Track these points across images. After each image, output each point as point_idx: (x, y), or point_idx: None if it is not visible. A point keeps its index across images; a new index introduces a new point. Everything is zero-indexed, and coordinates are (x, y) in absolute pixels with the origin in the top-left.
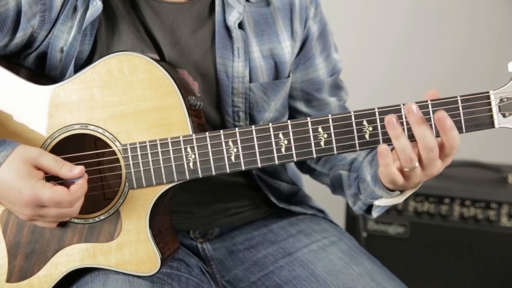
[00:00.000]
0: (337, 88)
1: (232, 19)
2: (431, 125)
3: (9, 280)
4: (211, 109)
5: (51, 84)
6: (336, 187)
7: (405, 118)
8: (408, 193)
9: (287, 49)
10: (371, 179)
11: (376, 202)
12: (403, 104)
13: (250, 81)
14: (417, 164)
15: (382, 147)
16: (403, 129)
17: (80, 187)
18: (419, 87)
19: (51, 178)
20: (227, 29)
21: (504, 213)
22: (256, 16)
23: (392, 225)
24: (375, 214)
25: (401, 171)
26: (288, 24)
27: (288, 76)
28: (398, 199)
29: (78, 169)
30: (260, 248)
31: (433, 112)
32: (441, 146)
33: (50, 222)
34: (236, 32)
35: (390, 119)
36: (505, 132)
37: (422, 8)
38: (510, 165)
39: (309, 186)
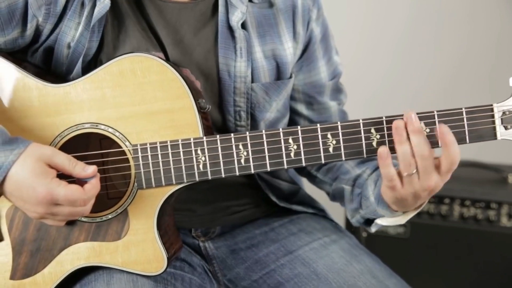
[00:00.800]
0: (337, 91)
1: (235, 19)
2: (435, 135)
3: (13, 277)
4: (213, 108)
5: (57, 81)
6: (337, 198)
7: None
8: (411, 214)
9: (289, 50)
10: (375, 199)
11: (378, 221)
12: None
13: (252, 81)
14: (414, 170)
15: (383, 149)
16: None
17: (93, 186)
18: (420, 88)
19: (61, 176)
20: (230, 29)
21: (504, 213)
22: (259, 17)
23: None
24: (373, 229)
25: (400, 177)
26: (290, 25)
27: (290, 77)
28: (400, 220)
29: (91, 169)
30: (261, 247)
31: (439, 123)
32: (440, 162)
33: (60, 221)
34: (239, 32)
35: (398, 124)
36: None
37: (422, 10)
38: (510, 165)
39: (309, 185)
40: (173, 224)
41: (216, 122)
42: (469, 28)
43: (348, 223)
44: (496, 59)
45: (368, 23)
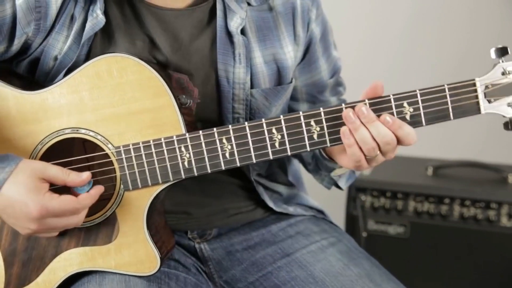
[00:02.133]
0: (337, 85)
1: (234, 25)
2: (420, 114)
3: None
4: (211, 115)
5: (38, 89)
6: (302, 162)
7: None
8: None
9: (289, 54)
10: (319, 154)
11: (332, 174)
12: (393, 95)
13: (252, 87)
14: (378, 152)
15: (344, 129)
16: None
17: (88, 196)
18: (420, 87)
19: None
20: (229, 35)
21: (504, 213)
22: (258, 21)
23: (392, 225)
24: (342, 185)
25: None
26: (290, 29)
27: (291, 82)
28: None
29: (86, 175)
30: (258, 249)
31: (422, 101)
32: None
33: (53, 233)
34: (238, 38)
35: (347, 113)
36: (505, 132)
37: (423, 8)
38: (510, 165)
39: (310, 186)
40: (164, 223)
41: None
42: (470, 27)
43: (347, 224)
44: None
45: (370, 21)
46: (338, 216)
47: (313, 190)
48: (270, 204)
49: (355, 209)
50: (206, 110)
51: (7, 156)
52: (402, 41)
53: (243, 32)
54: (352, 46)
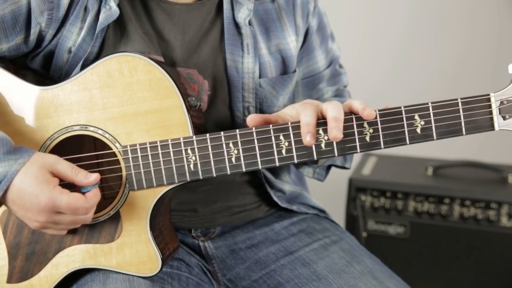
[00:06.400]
0: (335, 76)
1: (242, 16)
2: (431, 127)
3: (9, 281)
4: (221, 106)
5: (51, 85)
6: None
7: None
8: None
9: (292, 43)
10: None
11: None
12: (404, 107)
13: (260, 77)
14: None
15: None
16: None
17: (95, 195)
18: (421, 89)
19: (63, 187)
20: (236, 26)
21: (504, 213)
22: (261, 14)
23: (392, 225)
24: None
25: None
26: (292, 19)
27: (295, 71)
28: None
29: (94, 177)
30: (261, 247)
31: (434, 114)
32: None
33: (61, 230)
34: (245, 29)
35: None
36: (505, 132)
37: (422, 10)
38: (510, 165)
39: (310, 186)
40: (169, 224)
41: (225, 120)
42: (469, 29)
43: (348, 224)
44: (497, 60)
45: (369, 24)
46: (338, 216)
47: (313, 190)
48: (275, 198)
49: (355, 209)
50: (217, 101)
51: (20, 148)
52: (401, 43)
53: (250, 23)
54: (351, 49)
